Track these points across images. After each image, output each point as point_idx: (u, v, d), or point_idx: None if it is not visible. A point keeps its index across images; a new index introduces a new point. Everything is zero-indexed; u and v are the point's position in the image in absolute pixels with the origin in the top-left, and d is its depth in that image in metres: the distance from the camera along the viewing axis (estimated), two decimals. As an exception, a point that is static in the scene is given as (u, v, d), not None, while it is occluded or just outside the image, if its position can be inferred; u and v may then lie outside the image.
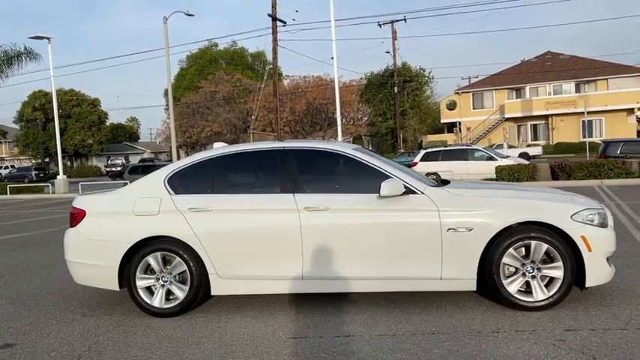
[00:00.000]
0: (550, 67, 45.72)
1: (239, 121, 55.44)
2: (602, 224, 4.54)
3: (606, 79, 43.34)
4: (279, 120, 44.41)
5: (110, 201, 5.12)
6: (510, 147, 39.03)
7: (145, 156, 68.21)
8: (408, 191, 4.62)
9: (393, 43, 42.37)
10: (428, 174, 20.90)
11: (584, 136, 41.98)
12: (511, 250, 4.46)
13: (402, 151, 41.29)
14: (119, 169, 47.40)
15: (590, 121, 42.50)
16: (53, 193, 26.36)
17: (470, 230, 4.48)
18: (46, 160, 61.34)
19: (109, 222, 4.97)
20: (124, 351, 4.06)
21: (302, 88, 51.77)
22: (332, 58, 25.55)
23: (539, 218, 4.44)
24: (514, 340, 3.83)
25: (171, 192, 4.95)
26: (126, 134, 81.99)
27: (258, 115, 52.58)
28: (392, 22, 41.53)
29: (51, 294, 5.95)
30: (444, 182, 5.20)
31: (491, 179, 17.93)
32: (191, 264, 4.79)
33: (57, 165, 33.17)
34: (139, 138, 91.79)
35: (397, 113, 42.75)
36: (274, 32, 27.34)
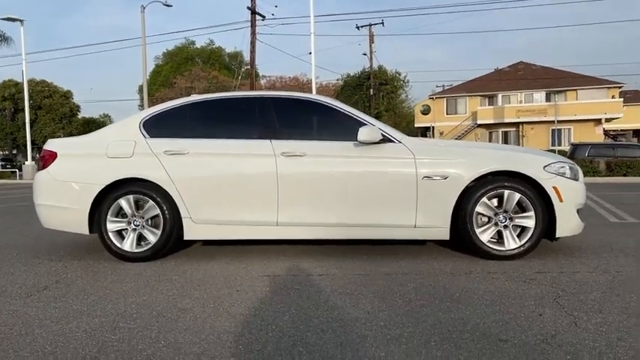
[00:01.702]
0: (522, 76, 46.65)
1: (214, 119, 54.95)
2: (574, 177, 4.63)
3: (576, 89, 44.44)
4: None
5: (83, 143, 5.02)
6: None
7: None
8: (385, 139, 4.65)
9: (370, 46, 42.78)
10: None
11: (553, 144, 42.95)
12: (484, 199, 4.52)
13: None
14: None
15: (559, 130, 43.56)
16: (21, 178, 25.71)
17: (445, 179, 4.52)
18: (14, 152, 59.77)
19: (81, 164, 4.87)
20: (93, 284, 3.98)
21: (278, 88, 51.77)
22: (310, 53, 25.68)
23: (512, 167, 4.50)
24: (486, 279, 3.88)
25: (147, 135, 4.88)
26: (98, 129, 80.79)
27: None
28: (369, 24, 41.94)
29: (16, 247, 5.78)
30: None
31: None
32: (164, 207, 4.72)
33: (25, 157, 32.30)
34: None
35: (372, 115, 42.99)
36: (253, 26, 27.27)
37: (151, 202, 4.74)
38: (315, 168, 4.63)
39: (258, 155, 4.69)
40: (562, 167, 4.60)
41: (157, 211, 4.74)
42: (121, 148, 4.82)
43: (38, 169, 5.12)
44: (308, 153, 4.65)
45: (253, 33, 27.28)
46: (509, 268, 4.19)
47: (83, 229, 4.85)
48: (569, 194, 4.51)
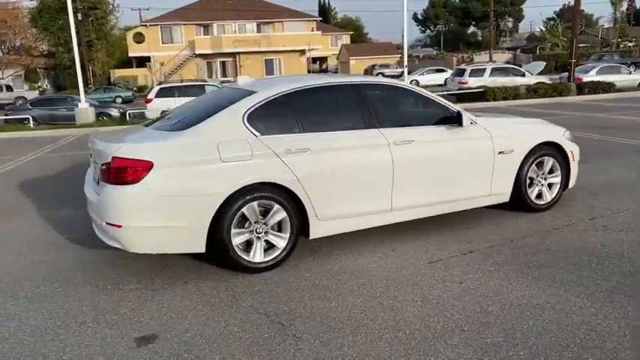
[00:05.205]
0: (233, 5, 47.90)
1: None
2: (573, 140, 6.06)
3: (282, 21, 48.11)
4: None
5: (184, 148, 4.12)
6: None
7: None
8: (472, 122, 5.23)
9: (74, -37, 37.52)
10: (165, 112, 20.36)
11: (266, 74, 46.30)
12: (533, 166, 5.59)
13: (92, 87, 37.80)
14: None
15: (271, 60, 46.97)
16: None
17: (511, 152, 5.40)
18: None
19: (192, 172, 4.06)
20: (292, 310, 3.66)
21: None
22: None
23: (552, 139, 5.66)
24: (585, 231, 5.01)
25: (257, 133, 4.33)
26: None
27: None
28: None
29: (89, 270, 4.39)
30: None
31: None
32: (290, 209, 4.39)
33: None
34: None
35: (84, 45, 38.56)
36: None
37: (277, 206, 4.33)
38: (422, 153, 4.93)
39: (374, 146, 4.71)
40: (568, 134, 5.96)
41: (284, 214, 4.37)
42: (237, 151, 4.19)
43: (114, 183, 4.00)
44: (415, 139, 4.89)
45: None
46: (571, 220, 5.40)
47: (198, 247, 4.16)
48: (576, 155, 5.94)
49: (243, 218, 4.24)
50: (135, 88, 43.15)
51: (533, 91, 20.62)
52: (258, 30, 47.36)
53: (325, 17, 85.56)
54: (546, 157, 5.65)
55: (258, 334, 3.36)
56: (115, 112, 21.83)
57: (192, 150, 4.11)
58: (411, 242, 4.94)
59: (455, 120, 5.13)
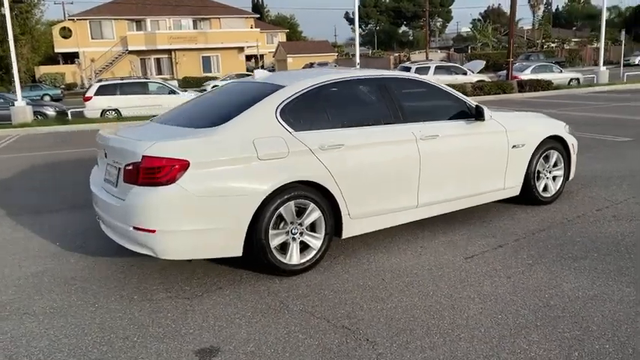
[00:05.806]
0: (167, 1, 46.37)
1: None
2: (572, 133, 6.21)
3: (219, 18, 47.10)
4: None
5: (220, 145, 3.82)
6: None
7: None
8: (490, 116, 5.22)
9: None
10: (105, 110, 19.37)
11: (204, 71, 45.26)
12: (540, 159, 5.67)
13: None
14: None
15: (208, 57, 45.94)
16: None
17: (523, 146, 5.44)
18: None
19: (230, 171, 3.78)
20: (350, 313, 3.50)
21: None
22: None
23: (556, 132, 5.76)
24: (598, 222, 5.12)
25: (290, 129, 4.10)
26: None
27: None
28: None
29: (102, 279, 3.95)
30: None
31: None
32: (325, 208, 4.20)
33: None
34: None
35: (11, 39, 36.02)
36: None
37: (312, 205, 4.12)
38: (447, 147, 4.87)
39: (404, 141, 4.60)
40: (568, 128, 6.10)
41: (319, 213, 4.16)
42: (274, 148, 3.95)
43: (145, 184, 3.65)
44: (440, 134, 4.82)
45: None
46: (580, 211, 5.52)
47: (236, 250, 3.90)
48: (576, 147, 6.09)
49: (279, 219, 4.01)
50: (63, 86, 40.94)
51: (478, 88, 21.26)
52: (195, 26, 46.15)
53: (260, 15, 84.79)
54: (551, 151, 5.75)
55: (327, 339, 3.16)
56: (50, 111, 20.60)
57: (229, 147, 3.83)
58: (437, 239, 4.86)
59: (472, 114, 5.11)
